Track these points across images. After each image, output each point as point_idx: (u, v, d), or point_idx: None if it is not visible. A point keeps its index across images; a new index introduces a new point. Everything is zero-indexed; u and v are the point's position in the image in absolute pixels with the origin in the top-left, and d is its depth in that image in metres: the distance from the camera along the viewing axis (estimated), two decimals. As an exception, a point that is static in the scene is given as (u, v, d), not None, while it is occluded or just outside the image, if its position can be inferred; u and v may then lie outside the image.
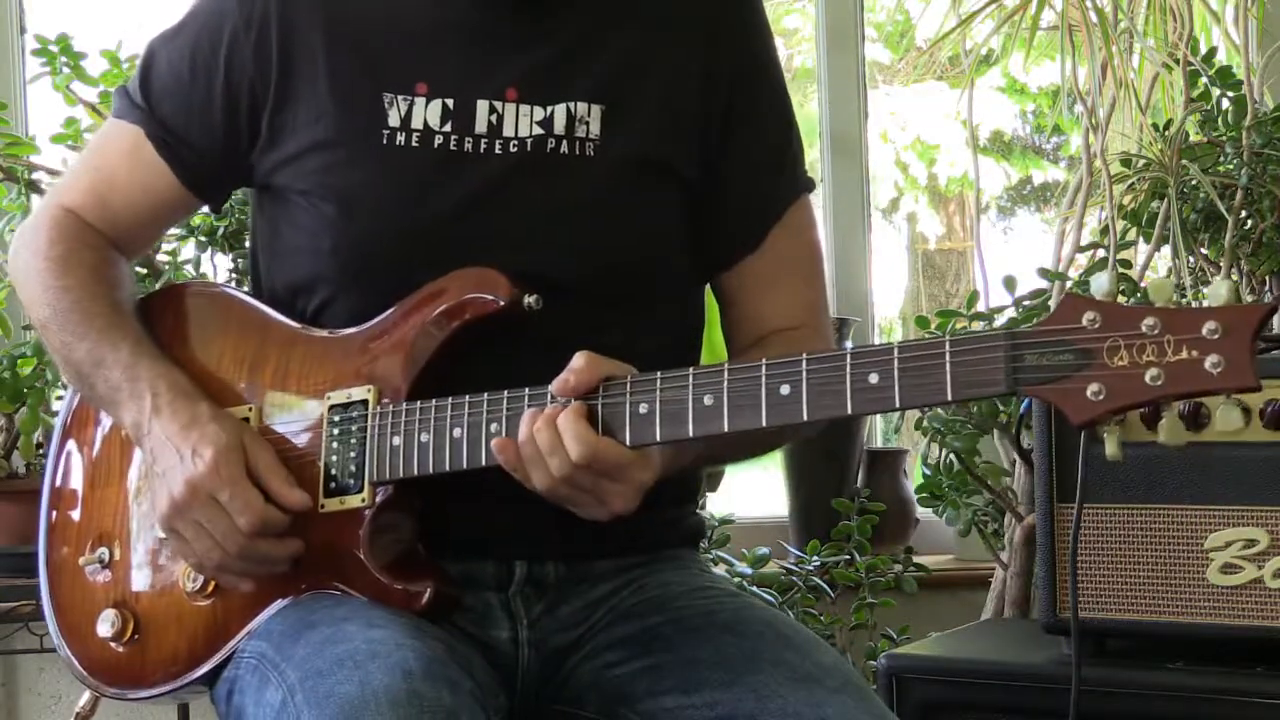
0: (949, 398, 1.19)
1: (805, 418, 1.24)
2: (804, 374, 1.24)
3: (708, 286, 1.63)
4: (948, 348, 1.18)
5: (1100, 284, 1.15)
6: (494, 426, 1.35)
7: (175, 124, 1.56)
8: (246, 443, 1.42)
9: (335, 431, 1.43)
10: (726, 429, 1.27)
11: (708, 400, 1.27)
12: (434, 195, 1.48)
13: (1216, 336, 1.10)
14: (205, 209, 1.84)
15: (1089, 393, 1.13)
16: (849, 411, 1.23)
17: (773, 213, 1.58)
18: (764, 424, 1.25)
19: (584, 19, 1.53)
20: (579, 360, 1.31)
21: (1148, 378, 1.11)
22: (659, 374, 1.30)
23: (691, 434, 1.28)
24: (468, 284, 1.41)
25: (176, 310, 1.60)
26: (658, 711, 1.39)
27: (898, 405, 1.21)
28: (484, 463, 1.35)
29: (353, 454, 1.41)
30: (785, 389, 1.24)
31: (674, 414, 1.28)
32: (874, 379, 1.21)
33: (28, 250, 1.59)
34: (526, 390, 1.34)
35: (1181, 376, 1.11)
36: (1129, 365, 1.12)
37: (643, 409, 1.29)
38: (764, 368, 1.26)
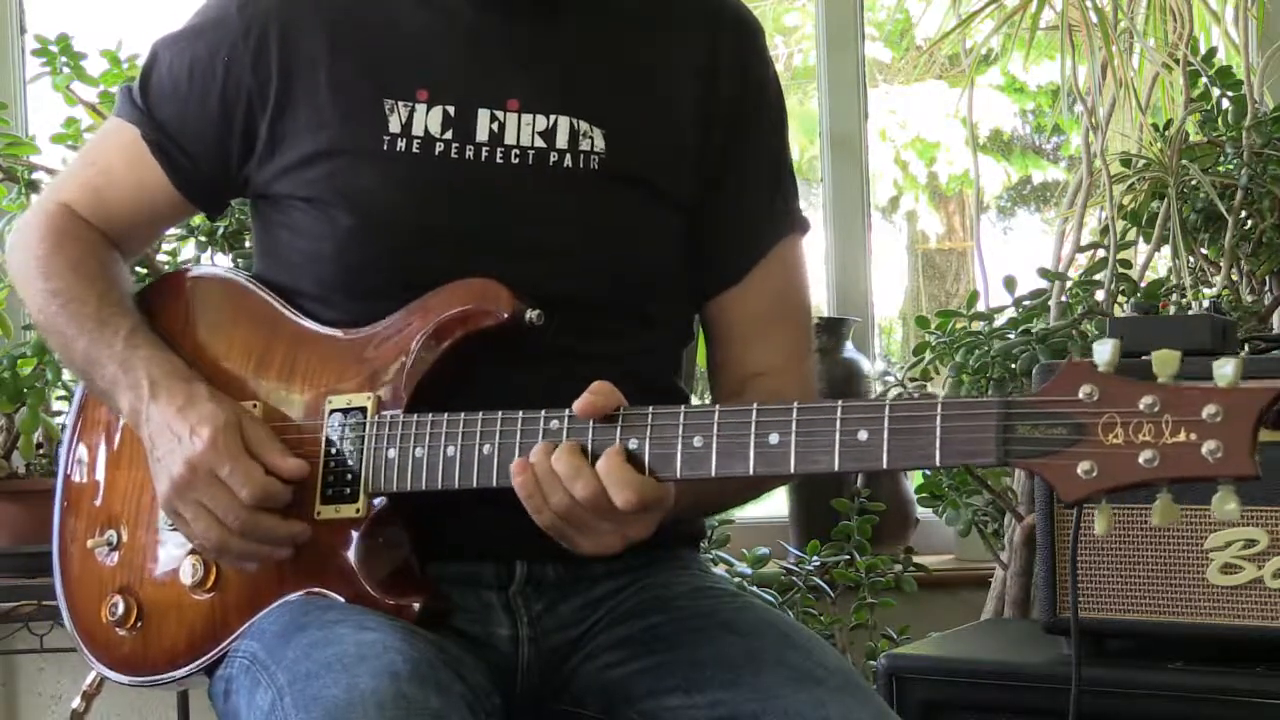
0: (937, 462, 1.17)
1: (792, 470, 1.22)
2: (793, 425, 1.22)
3: None
4: (939, 410, 1.16)
5: (1102, 353, 1.10)
6: (486, 449, 1.34)
7: (172, 129, 1.56)
8: (242, 420, 1.42)
9: (334, 437, 1.43)
10: (714, 474, 1.25)
11: (697, 443, 1.26)
12: (435, 203, 1.48)
13: (1217, 420, 1.06)
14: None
15: (1080, 470, 1.10)
16: (835, 468, 1.21)
17: (759, 249, 1.58)
18: (751, 472, 1.24)
19: (587, 31, 1.54)
20: (602, 386, 1.30)
21: (1141, 459, 1.08)
22: (650, 409, 1.29)
23: (679, 476, 1.27)
24: (471, 295, 1.41)
25: (187, 297, 1.60)
26: (660, 711, 1.39)
27: (884, 465, 1.19)
28: (475, 484, 1.34)
29: (350, 462, 1.41)
30: (774, 438, 1.23)
31: (662, 455, 1.27)
32: (863, 436, 1.19)
33: (20, 250, 1.60)
34: (521, 414, 1.33)
35: (1176, 460, 1.07)
36: (1124, 444, 1.08)
37: (632, 445, 1.28)
38: (754, 414, 1.24)
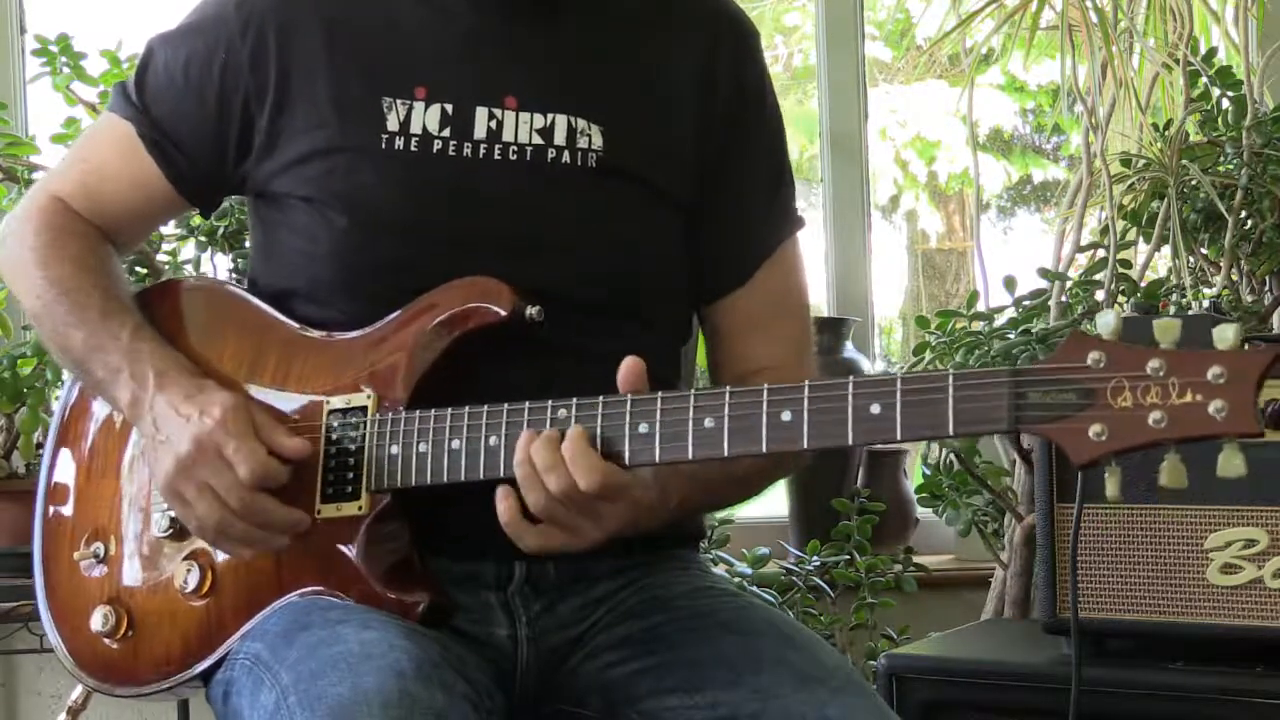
0: (950, 431, 1.18)
1: (805, 445, 1.23)
2: (805, 401, 1.23)
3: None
4: (951, 382, 1.18)
5: (1106, 321, 1.13)
6: (493, 440, 1.34)
7: (167, 126, 1.56)
8: (252, 405, 1.42)
9: (334, 437, 1.42)
10: (726, 453, 1.26)
11: (708, 423, 1.27)
12: (433, 201, 1.48)
13: (1221, 381, 1.09)
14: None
15: (1091, 433, 1.13)
16: (849, 441, 1.22)
17: (762, 251, 1.59)
18: (763, 449, 1.25)
19: (585, 31, 1.54)
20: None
21: (1151, 420, 1.11)
22: (659, 394, 1.29)
23: (691, 456, 1.27)
24: (471, 293, 1.42)
25: (175, 306, 1.59)
26: (660, 711, 1.40)
27: (898, 436, 1.20)
28: (482, 475, 1.35)
29: (351, 461, 1.41)
30: (786, 415, 1.24)
31: (674, 435, 1.28)
32: (875, 409, 1.21)
33: (14, 240, 1.59)
34: (527, 404, 1.34)
35: (1185, 420, 1.10)
36: (1133, 407, 1.11)
37: (642, 429, 1.29)
38: (765, 393, 1.25)
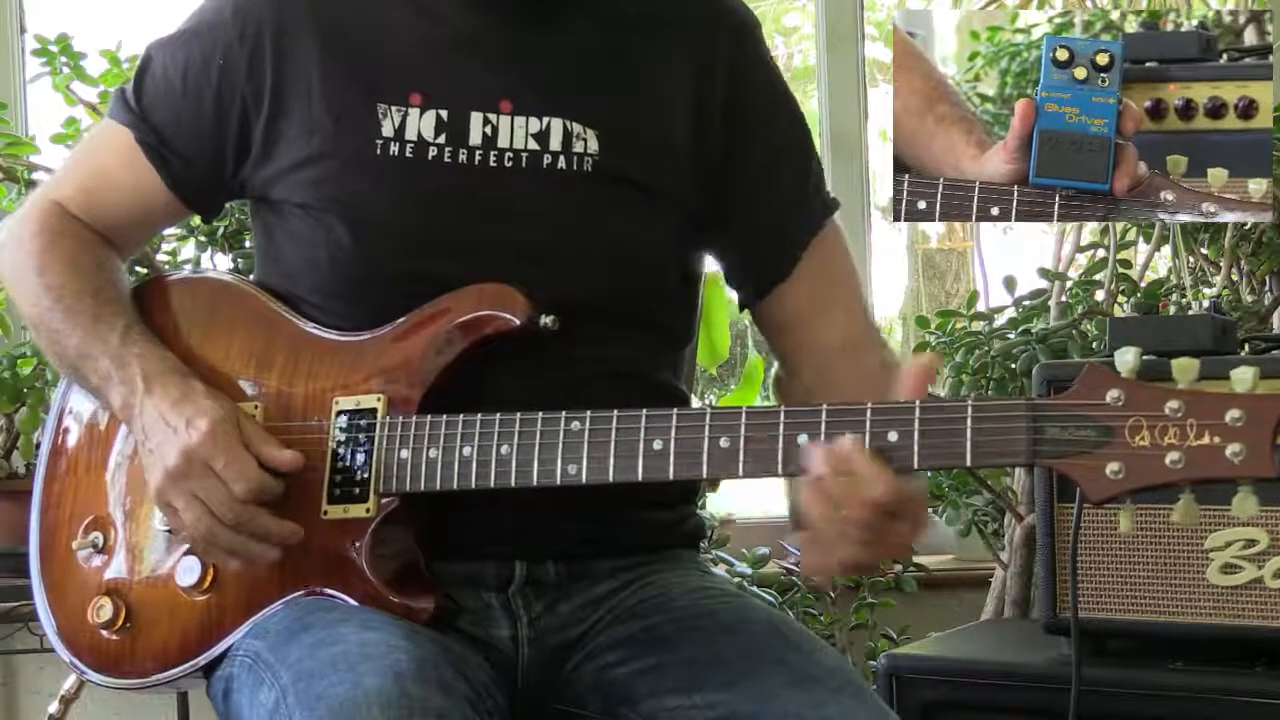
0: (968, 463, 1.19)
1: None
2: (822, 426, 1.24)
3: (701, 299, 1.65)
4: (970, 412, 1.18)
5: (1125, 359, 1.14)
6: (504, 449, 1.34)
7: (166, 132, 1.55)
8: (239, 416, 1.42)
9: (342, 438, 1.42)
10: (741, 475, 1.27)
11: (723, 443, 1.27)
12: (429, 207, 1.47)
13: (1239, 424, 1.10)
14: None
15: (1108, 471, 1.14)
16: None
17: (800, 242, 1.58)
18: (781, 472, 1.25)
19: (581, 34, 1.53)
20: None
21: (1168, 460, 1.12)
22: (675, 410, 1.30)
23: (705, 474, 1.28)
24: (485, 300, 1.41)
25: (179, 301, 1.59)
26: (659, 711, 1.39)
27: (915, 465, 1.21)
28: (493, 484, 1.35)
29: (359, 463, 1.41)
30: (802, 439, 1.24)
31: (688, 454, 1.28)
32: (893, 437, 1.21)
33: (13, 244, 1.59)
34: (540, 415, 1.34)
35: (1202, 462, 1.11)
36: (1150, 446, 1.13)
37: (657, 445, 1.29)
38: (782, 415, 1.26)
